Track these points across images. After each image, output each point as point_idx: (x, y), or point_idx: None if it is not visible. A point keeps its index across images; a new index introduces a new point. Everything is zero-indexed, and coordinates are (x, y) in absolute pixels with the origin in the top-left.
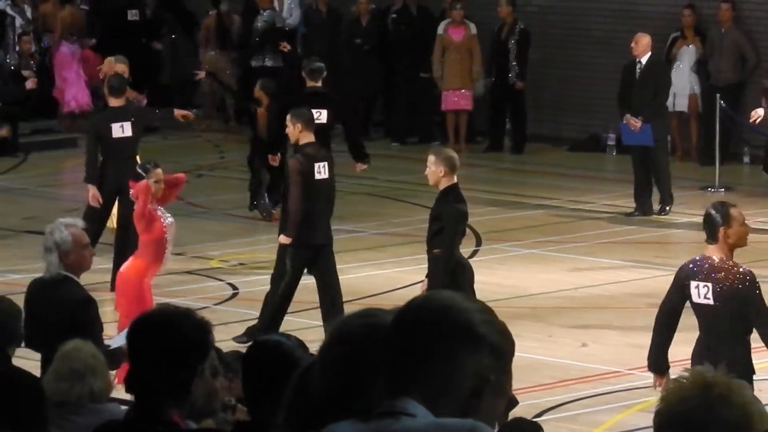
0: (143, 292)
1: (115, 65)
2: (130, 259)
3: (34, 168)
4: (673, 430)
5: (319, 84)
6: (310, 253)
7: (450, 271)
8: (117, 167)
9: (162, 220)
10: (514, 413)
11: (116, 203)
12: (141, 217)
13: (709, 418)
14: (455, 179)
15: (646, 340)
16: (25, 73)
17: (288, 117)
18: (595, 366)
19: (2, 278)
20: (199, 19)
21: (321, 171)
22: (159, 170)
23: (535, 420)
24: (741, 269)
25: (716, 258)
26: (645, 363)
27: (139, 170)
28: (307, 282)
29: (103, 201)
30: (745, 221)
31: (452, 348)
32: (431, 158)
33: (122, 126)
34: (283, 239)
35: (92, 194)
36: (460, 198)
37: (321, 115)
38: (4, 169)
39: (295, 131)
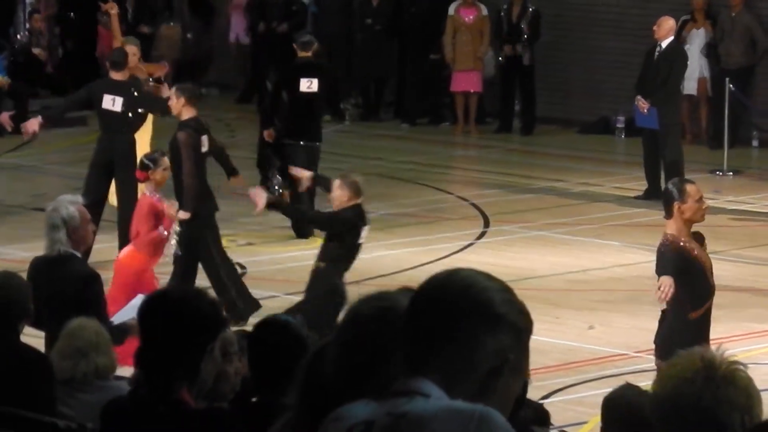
0: (142, 284)
1: (127, 45)
2: (131, 247)
3: (42, 145)
4: (679, 414)
5: (310, 54)
6: (208, 221)
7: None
8: (106, 140)
9: (168, 214)
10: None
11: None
12: (150, 217)
13: (716, 399)
14: (359, 201)
15: (653, 323)
16: (36, 50)
17: (173, 90)
18: (602, 348)
19: (11, 255)
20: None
21: (205, 144)
22: (166, 158)
23: (541, 402)
24: (670, 240)
25: (668, 232)
26: (652, 346)
27: (146, 160)
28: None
29: (95, 175)
30: (702, 197)
31: (472, 327)
32: (337, 182)
33: (113, 99)
34: (183, 215)
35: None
36: (358, 213)
37: (312, 84)
38: (14, 147)
39: (178, 105)
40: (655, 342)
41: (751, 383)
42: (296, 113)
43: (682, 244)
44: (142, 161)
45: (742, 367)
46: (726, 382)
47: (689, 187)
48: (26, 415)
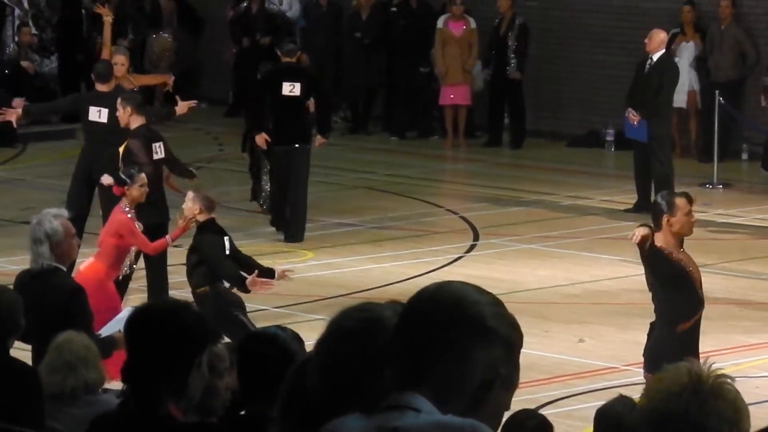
0: (106, 295)
1: (115, 56)
2: (92, 259)
3: (32, 158)
4: (667, 428)
5: (293, 60)
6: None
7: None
8: (90, 151)
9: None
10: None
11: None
12: (122, 232)
13: (703, 412)
14: (213, 216)
15: (642, 336)
16: (24, 64)
17: (118, 101)
18: (591, 362)
19: (0, 269)
20: (200, 12)
21: (158, 151)
22: (143, 175)
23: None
24: (659, 251)
25: (657, 245)
26: (642, 359)
27: (123, 176)
28: (308, 275)
29: (76, 187)
30: (691, 211)
31: (463, 341)
32: (190, 194)
33: (99, 111)
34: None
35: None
36: (216, 230)
37: (295, 88)
38: (3, 160)
39: (125, 115)
40: (643, 355)
41: (738, 396)
42: (279, 116)
43: (671, 254)
44: (119, 176)
45: (729, 380)
46: (714, 395)
47: (678, 200)
48: (14, 429)
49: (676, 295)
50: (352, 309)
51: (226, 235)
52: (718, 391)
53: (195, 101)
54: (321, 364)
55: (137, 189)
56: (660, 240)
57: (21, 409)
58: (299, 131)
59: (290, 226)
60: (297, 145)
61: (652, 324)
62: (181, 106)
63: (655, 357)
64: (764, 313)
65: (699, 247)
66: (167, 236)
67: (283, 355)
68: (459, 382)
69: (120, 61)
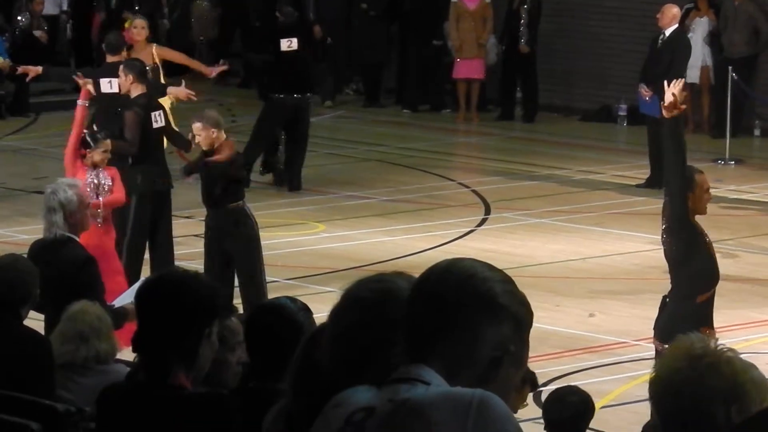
0: (108, 260)
1: (135, 20)
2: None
3: (44, 128)
4: (668, 400)
5: (291, 21)
6: (152, 201)
7: None
8: (103, 122)
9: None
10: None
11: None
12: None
13: (698, 387)
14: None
15: (653, 311)
16: (37, 33)
17: (120, 68)
18: (602, 336)
19: (12, 238)
20: None
21: (158, 119)
22: (108, 141)
23: (540, 389)
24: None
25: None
26: (652, 334)
27: (88, 137)
28: (320, 247)
29: None
30: (709, 189)
31: (473, 317)
32: (197, 125)
33: (110, 82)
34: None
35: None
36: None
37: (292, 43)
38: (15, 129)
39: (127, 82)
40: (654, 327)
41: (740, 372)
42: (281, 70)
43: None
44: (84, 138)
45: (732, 355)
46: (710, 370)
47: (698, 177)
48: (25, 398)
49: (693, 263)
50: (368, 279)
51: None
52: (716, 366)
53: (224, 66)
54: (334, 334)
55: (99, 154)
56: None
57: (32, 378)
58: (305, 82)
59: (293, 177)
60: (299, 95)
61: (664, 297)
62: (177, 91)
63: (669, 330)
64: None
65: (710, 223)
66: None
67: (290, 326)
68: (468, 358)
69: (140, 25)
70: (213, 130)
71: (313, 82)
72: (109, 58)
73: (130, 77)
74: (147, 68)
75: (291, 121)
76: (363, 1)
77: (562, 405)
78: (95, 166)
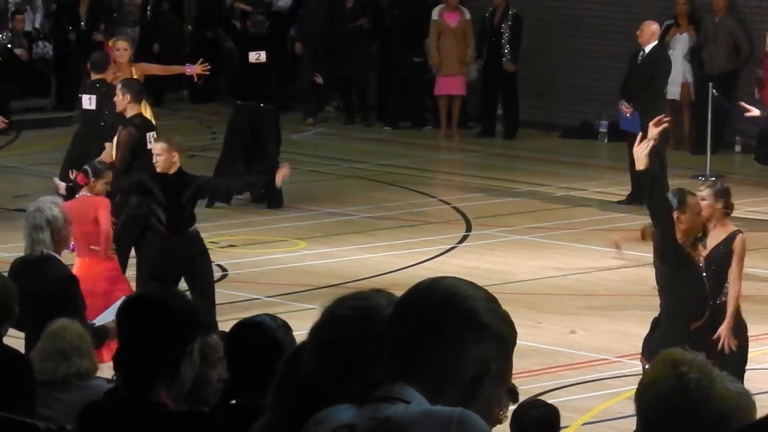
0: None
1: (117, 41)
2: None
3: (26, 146)
4: (653, 413)
5: (261, 32)
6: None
7: None
8: (84, 139)
9: None
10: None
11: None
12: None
13: (684, 400)
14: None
15: (634, 327)
16: (18, 51)
17: (118, 86)
18: (583, 353)
19: None
20: None
21: (151, 140)
22: (110, 173)
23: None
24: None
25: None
26: (634, 351)
27: (90, 170)
28: (301, 264)
29: (69, 165)
30: (701, 212)
31: (456, 335)
32: (163, 146)
33: (90, 98)
34: None
35: None
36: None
37: (260, 56)
38: None
39: (124, 101)
40: (644, 344)
41: (725, 392)
42: (244, 77)
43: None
44: (85, 168)
45: (715, 372)
46: (695, 383)
47: (690, 199)
48: (6, 416)
49: (682, 286)
50: (347, 297)
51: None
52: (698, 380)
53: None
54: (315, 352)
55: (102, 184)
56: None
57: (12, 396)
58: (269, 91)
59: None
60: (263, 105)
61: (656, 319)
62: None
63: (660, 349)
64: (755, 306)
65: None
66: None
67: (270, 343)
68: (451, 376)
69: (122, 47)
70: (175, 154)
71: (282, 97)
72: (94, 76)
73: (128, 97)
74: (143, 89)
75: (254, 131)
76: (342, 18)
77: (522, 419)
78: (98, 194)
